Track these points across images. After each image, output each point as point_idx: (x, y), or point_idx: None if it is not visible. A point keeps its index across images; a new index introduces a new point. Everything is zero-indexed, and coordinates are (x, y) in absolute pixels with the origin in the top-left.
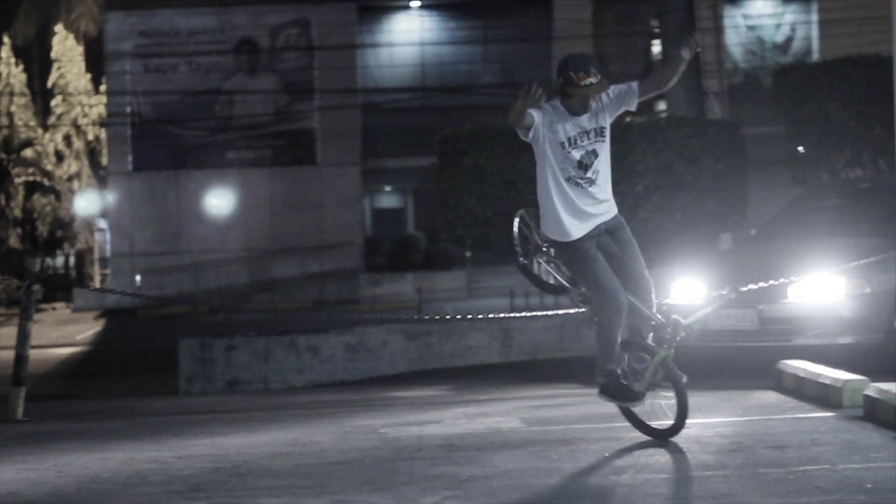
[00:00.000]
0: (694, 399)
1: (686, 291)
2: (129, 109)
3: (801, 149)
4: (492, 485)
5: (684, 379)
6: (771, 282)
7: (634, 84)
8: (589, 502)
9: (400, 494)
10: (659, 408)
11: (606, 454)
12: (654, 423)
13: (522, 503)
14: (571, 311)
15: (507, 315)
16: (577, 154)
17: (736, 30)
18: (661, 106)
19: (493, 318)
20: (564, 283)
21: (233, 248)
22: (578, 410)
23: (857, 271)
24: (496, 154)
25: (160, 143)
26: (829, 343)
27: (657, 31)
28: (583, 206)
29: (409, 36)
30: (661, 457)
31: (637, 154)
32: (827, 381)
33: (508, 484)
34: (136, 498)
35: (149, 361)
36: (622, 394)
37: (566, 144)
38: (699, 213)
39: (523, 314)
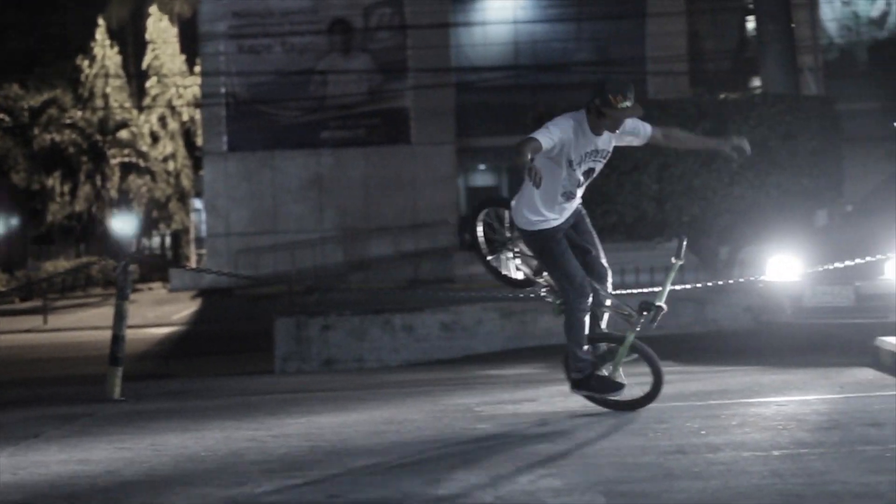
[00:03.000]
0: (790, 376)
1: (782, 269)
2: (223, 90)
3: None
4: (588, 463)
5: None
6: (867, 258)
7: (649, 128)
8: (685, 481)
9: (496, 473)
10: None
11: (703, 432)
12: (627, 398)
13: (619, 481)
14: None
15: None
16: (579, 172)
17: (831, 5)
18: (756, 82)
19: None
20: (531, 275)
21: (328, 228)
22: (675, 388)
23: None
24: None
25: (254, 123)
26: None
27: (751, 6)
28: (560, 203)
29: (501, 14)
30: (757, 434)
31: (731, 131)
32: None
33: (605, 462)
34: (233, 477)
35: (245, 341)
36: (603, 385)
37: (574, 163)
38: (794, 189)
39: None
